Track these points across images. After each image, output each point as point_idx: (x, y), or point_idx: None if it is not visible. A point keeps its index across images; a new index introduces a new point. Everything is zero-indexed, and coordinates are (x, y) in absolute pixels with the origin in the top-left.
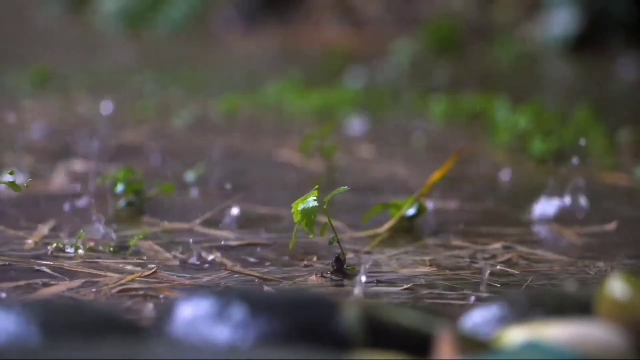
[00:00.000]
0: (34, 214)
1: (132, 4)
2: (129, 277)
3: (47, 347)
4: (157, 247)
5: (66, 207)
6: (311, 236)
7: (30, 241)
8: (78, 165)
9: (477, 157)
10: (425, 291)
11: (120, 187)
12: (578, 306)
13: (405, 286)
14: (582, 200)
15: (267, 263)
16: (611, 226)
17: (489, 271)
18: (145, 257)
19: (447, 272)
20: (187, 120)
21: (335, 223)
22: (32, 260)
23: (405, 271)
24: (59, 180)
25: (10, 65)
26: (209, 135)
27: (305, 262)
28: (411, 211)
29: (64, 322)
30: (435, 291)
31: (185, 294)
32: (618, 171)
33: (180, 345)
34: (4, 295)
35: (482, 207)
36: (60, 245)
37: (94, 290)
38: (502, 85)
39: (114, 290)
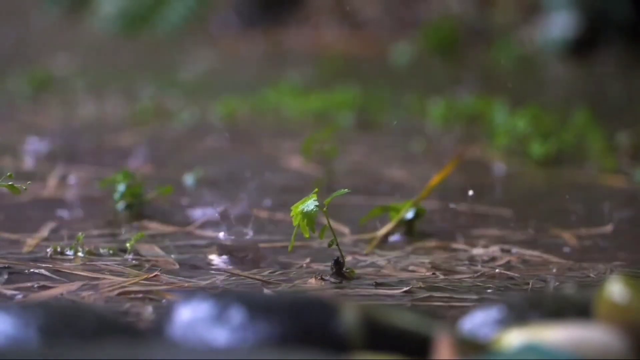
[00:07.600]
0: (33, 217)
1: (130, 7)
2: (128, 280)
3: (46, 350)
4: (156, 250)
5: (65, 210)
6: (306, 236)
7: (29, 244)
8: (77, 168)
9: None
10: (424, 294)
11: (119, 190)
12: (577, 309)
13: (404, 289)
14: None
15: (267, 265)
16: (608, 228)
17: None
18: (144, 260)
19: (446, 274)
20: (186, 122)
21: (335, 225)
22: (31, 263)
23: (404, 274)
24: (58, 183)
25: (9, 68)
26: (207, 138)
27: (303, 264)
28: (410, 214)
29: (63, 324)
30: (434, 294)
31: (185, 297)
32: (617, 174)
33: (179, 347)
34: (3, 297)
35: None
36: (59, 248)
37: (93, 292)
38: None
39: (113, 293)
